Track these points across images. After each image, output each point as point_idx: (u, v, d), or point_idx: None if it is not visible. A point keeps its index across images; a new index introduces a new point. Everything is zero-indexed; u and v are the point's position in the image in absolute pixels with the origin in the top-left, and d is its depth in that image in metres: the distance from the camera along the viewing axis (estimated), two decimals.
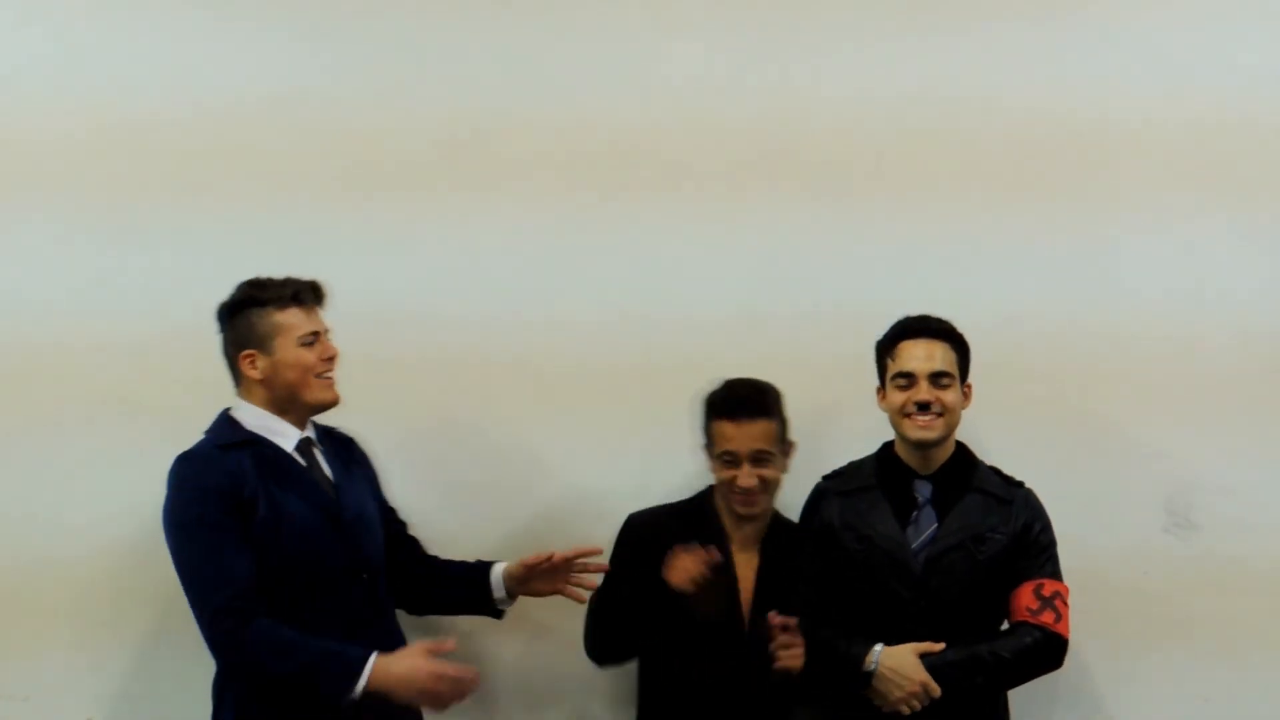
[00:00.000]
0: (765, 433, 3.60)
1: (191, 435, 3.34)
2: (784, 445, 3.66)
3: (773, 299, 3.98)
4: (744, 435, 3.59)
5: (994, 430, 3.81)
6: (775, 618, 3.43)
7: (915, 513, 3.55)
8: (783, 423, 3.66)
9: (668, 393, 3.83)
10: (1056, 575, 3.51)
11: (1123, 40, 4.03)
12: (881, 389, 3.59)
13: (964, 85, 4.00)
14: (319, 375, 3.34)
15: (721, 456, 3.61)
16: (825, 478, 3.68)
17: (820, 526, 3.60)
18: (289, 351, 3.30)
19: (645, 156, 3.98)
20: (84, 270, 3.83)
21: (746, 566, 3.68)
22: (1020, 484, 3.60)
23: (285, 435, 3.33)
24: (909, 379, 3.51)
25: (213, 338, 3.39)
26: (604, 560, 3.60)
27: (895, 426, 3.56)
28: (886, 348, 3.58)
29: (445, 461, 3.92)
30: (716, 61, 4.01)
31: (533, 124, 3.96)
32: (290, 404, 3.33)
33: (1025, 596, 3.49)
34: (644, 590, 3.53)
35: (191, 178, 3.88)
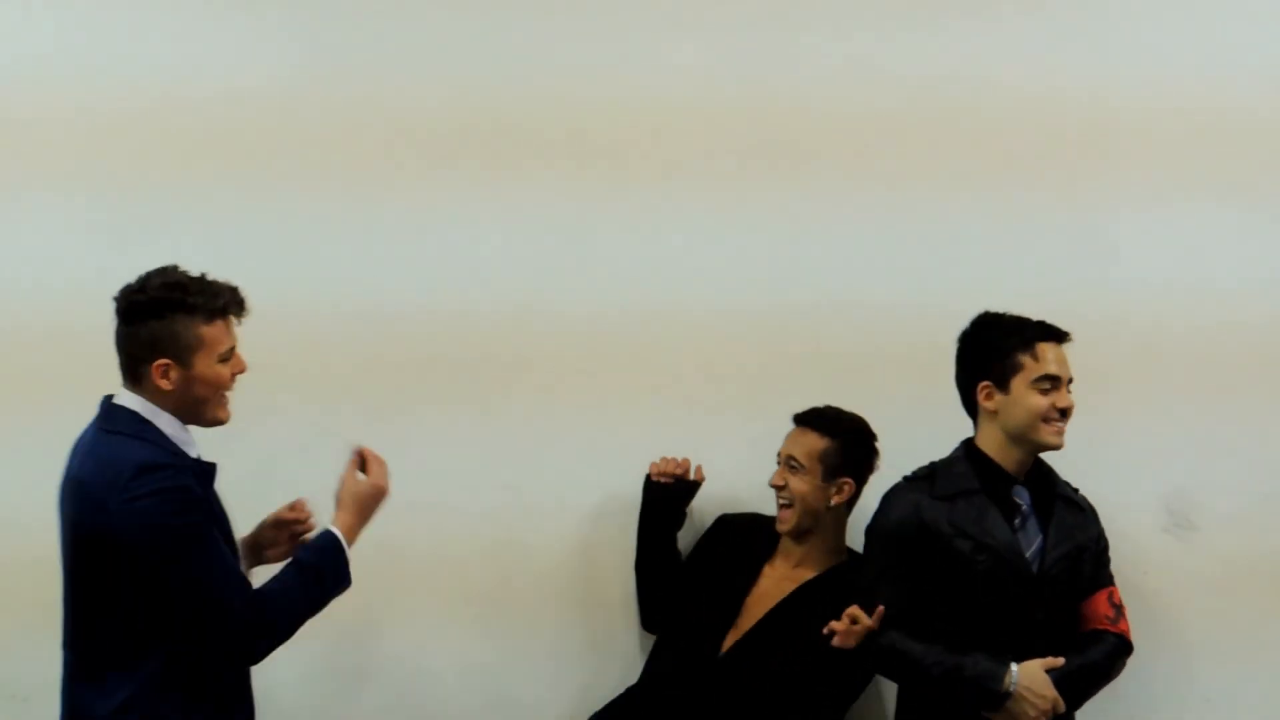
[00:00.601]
0: (807, 444, 3.70)
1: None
2: (829, 471, 3.70)
3: (773, 290, 3.98)
4: (790, 440, 3.74)
5: None
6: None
7: (1019, 520, 3.48)
8: (838, 452, 3.70)
9: (672, 386, 3.87)
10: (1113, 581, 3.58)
11: (1122, 28, 4.04)
12: (989, 385, 3.45)
13: (963, 74, 4.01)
14: (225, 392, 3.10)
15: (777, 459, 3.75)
16: (910, 479, 3.55)
17: (919, 529, 3.45)
18: (209, 368, 3.03)
19: (650, 145, 3.98)
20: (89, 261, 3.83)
21: (773, 586, 3.72)
22: (1077, 489, 3.62)
23: (191, 451, 3.08)
24: (1054, 382, 3.43)
25: None
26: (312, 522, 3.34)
27: (1025, 430, 3.44)
28: (1019, 346, 3.44)
29: (446, 453, 3.92)
30: (721, 50, 4.01)
31: (533, 113, 3.96)
32: (189, 418, 3.08)
33: (1102, 605, 3.51)
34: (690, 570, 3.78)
35: (191, 167, 3.89)
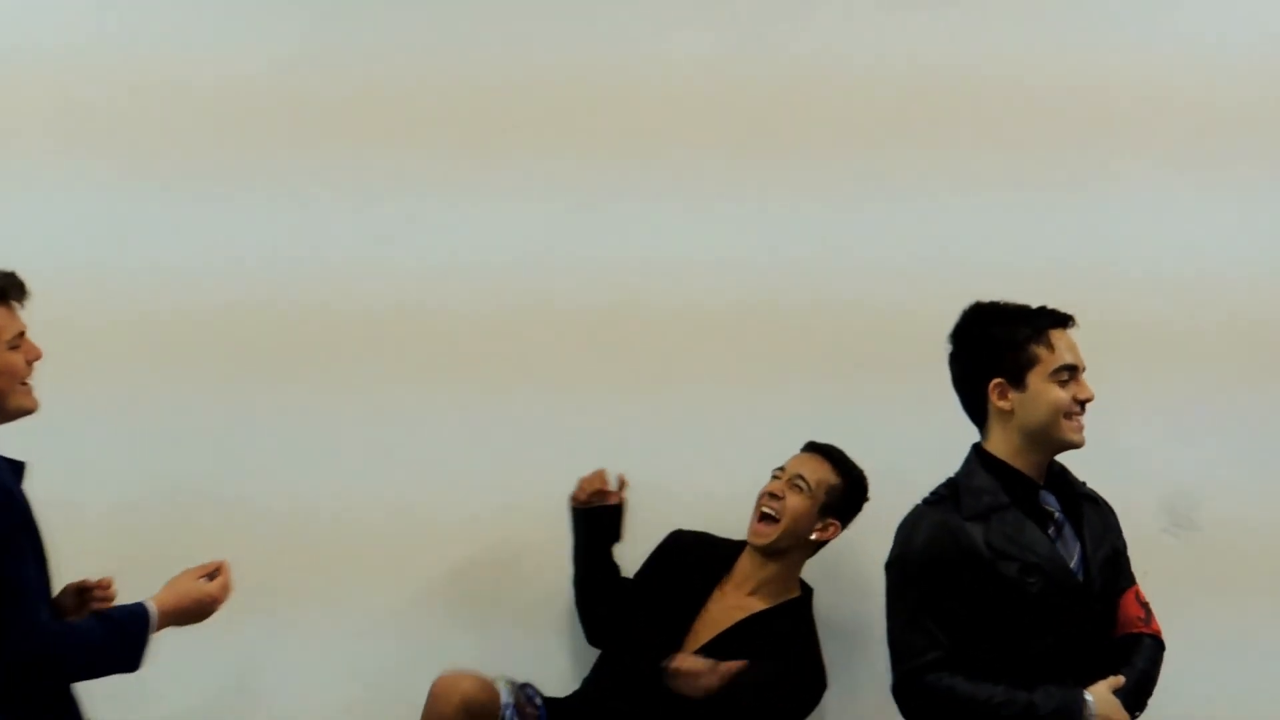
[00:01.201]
0: (819, 470, 3.67)
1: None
2: (827, 506, 3.68)
3: (766, 282, 4.00)
4: (801, 461, 3.70)
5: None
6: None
7: (1053, 530, 3.23)
8: (843, 491, 3.69)
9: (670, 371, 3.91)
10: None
11: (1121, 13, 4.05)
12: (1002, 382, 3.19)
13: (960, 60, 4.02)
14: (24, 381, 2.96)
15: (773, 474, 3.70)
16: (930, 502, 3.24)
17: (956, 556, 3.14)
18: None
19: (645, 132, 4.02)
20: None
21: (723, 614, 3.67)
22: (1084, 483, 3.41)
23: None
24: (1071, 372, 3.18)
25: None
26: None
27: (1046, 429, 3.19)
28: (1031, 337, 3.18)
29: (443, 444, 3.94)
30: (720, 36, 4.05)
31: (528, 102, 3.99)
32: None
33: (1132, 606, 3.30)
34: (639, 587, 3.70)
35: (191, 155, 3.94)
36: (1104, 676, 3.17)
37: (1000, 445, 3.23)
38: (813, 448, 3.73)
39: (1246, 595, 3.96)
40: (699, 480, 3.91)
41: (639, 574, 3.79)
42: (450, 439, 3.94)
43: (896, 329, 3.94)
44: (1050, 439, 3.21)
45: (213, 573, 3.08)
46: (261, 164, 3.94)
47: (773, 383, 3.95)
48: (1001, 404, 3.20)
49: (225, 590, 3.09)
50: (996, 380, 3.20)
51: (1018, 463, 3.21)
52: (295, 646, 3.86)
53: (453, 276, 3.95)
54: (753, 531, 3.69)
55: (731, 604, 3.68)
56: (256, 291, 3.91)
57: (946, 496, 3.23)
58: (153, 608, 2.99)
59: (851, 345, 3.96)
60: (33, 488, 3.02)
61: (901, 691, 3.20)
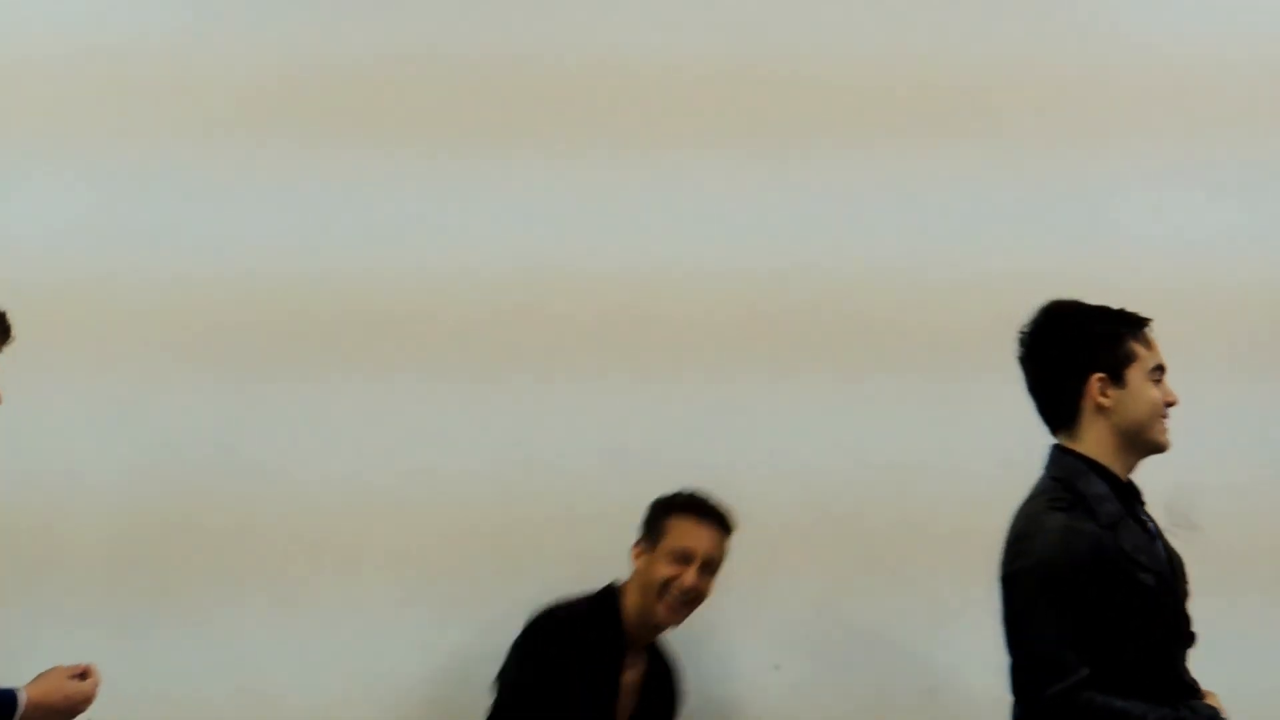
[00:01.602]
0: (723, 546, 3.60)
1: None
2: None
3: (768, 264, 4.02)
4: (709, 538, 3.57)
5: (994, 429, 3.82)
6: None
7: (1146, 533, 3.13)
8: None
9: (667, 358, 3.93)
10: None
11: (1121, 5, 4.06)
12: (1104, 377, 3.07)
13: (961, 49, 4.03)
14: None
15: (674, 553, 3.55)
16: (1064, 508, 3.02)
17: (1101, 567, 2.98)
18: None
19: (649, 113, 4.06)
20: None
21: (628, 697, 3.60)
22: None
23: None
24: (1162, 373, 3.12)
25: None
26: None
27: (1143, 428, 3.10)
28: (1130, 333, 3.09)
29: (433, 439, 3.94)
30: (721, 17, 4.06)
31: (536, 72, 4.03)
32: None
33: None
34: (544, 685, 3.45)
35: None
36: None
37: (1094, 446, 3.11)
38: (711, 519, 3.59)
39: (1246, 594, 3.96)
40: (700, 477, 3.91)
41: (540, 672, 3.50)
42: (451, 434, 3.95)
43: (901, 327, 3.94)
44: (1144, 439, 3.12)
45: (82, 673, 3.12)
46: (263, 160, 3.95)
47: (775, 379, 3.94)
48: (1102, 400, 3.08)
49: (94, 689, 3.12)
50: (1099, 375, 3.08)
51: (1115, 466, 3.10)
52: (295, 647, 3.86)
53: (454, 274, 3.96)
54: (675, 619, 3.58)
55: (630, 681, 3.61)
56: (256, 289, 3.92)
57: (1076, 503, 3.04)
58: (23, 695, 3.03)
59: (857, 341, 3.96)
60: (36, 485, 3.05)
61: (1055, 711, 2.97)
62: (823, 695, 3.88)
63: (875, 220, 4.01)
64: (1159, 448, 3.12)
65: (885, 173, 4.02)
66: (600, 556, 3.78)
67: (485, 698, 3.64)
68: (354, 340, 3.96)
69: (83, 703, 3.11)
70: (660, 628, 3.60)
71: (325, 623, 3.89)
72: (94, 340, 3.87)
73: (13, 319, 3.02)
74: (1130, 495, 3.12)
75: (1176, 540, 3.92)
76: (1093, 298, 3.89)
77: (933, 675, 3.90)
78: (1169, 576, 3.07)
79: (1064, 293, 3.84)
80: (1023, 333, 3.17)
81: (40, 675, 3.10)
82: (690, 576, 3.51)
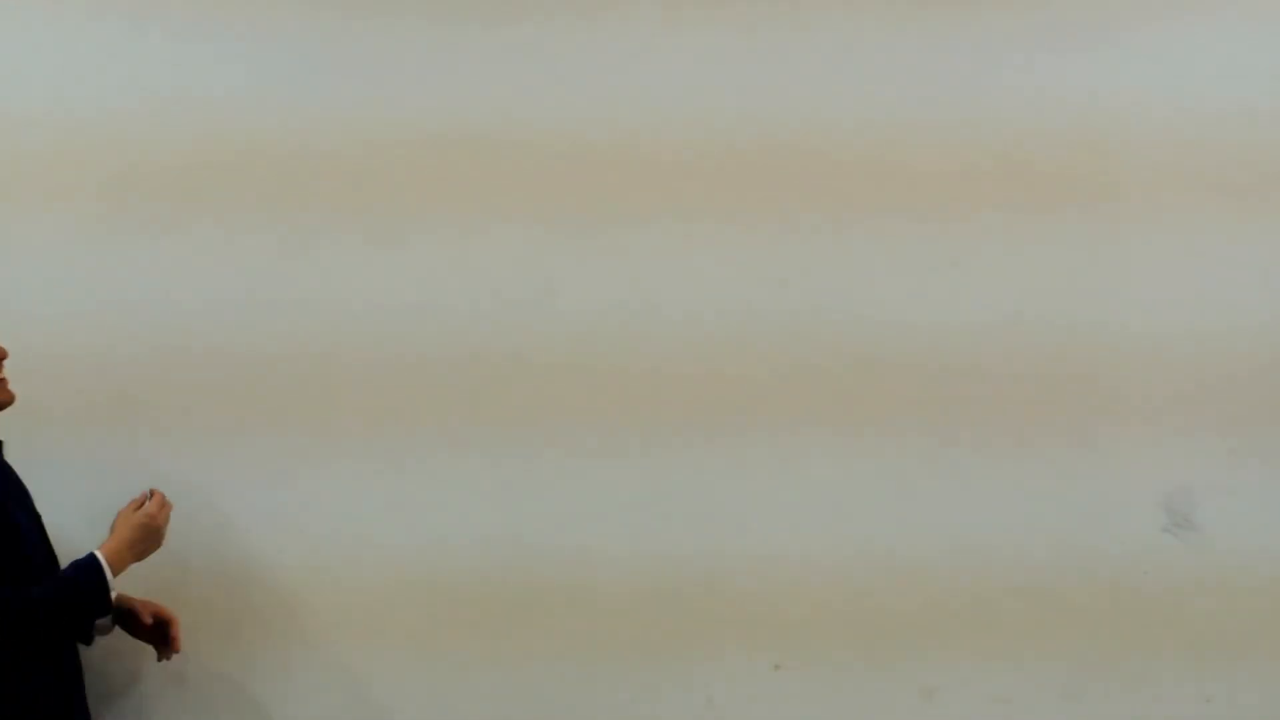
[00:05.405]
0: None
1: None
2: None
3: (770, 308, 3.99)
4: None
5: (994, 429, 3.82)
6: None
7: None
8: None
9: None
10: None
11: (1125, 40, 4.04)
12: None
13: (960, 85, 4.01)
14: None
15: None
16: None
17: None
18: None
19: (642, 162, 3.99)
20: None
21: None
22: None
23: None
24: None
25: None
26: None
27: None
28: None
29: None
30: (714, 64, 4.02)
31: (523, 129, 3.96)
32: None
33: None
34: None
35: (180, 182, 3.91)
36: None
37: None
38: None
39: (1246, 595, 3.96)
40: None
41: None
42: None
43: (908, 346, 3.93)
44: None
45: (139, 503, 3.34)
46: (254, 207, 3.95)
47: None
48: None
49: (160, 507, 3.32)
50: None
51: None
52: (295, 650, 3.87)
53: (440, 312, 3.95)
54: None
55: None
56: (246, 330, 3.89)
57: None
58: (100, 554, 3.20)
59: (861, 367, 3.95)
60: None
61: None
62: (823, 695, 3.88)
63: (870, 274, 3.98)
64: None
65: (883, 224, 4.01)
66: None
67: None
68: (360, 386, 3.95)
69: (152, 520, 3.30)
70: None
71: (325, 636, 3.89)
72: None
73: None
74: None
75: (1177, 540, 3.97)
76: (1092, 295, 3.95)
77: (933, 675, 3.89)
78: None
79: (1063, 295, 3.89)
80: None
81: (111, 526, 3.30)
82: None
